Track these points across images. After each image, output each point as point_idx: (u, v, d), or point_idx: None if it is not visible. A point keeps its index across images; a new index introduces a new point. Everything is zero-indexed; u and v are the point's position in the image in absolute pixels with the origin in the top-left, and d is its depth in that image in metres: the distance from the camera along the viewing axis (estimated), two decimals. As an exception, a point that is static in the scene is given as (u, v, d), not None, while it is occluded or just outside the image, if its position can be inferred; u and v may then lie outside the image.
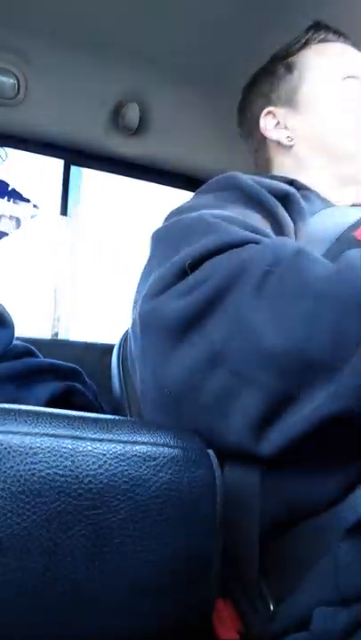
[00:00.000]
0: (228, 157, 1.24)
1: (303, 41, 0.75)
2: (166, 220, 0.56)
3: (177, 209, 0.56)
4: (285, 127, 0.74)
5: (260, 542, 0.40)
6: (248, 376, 0.37)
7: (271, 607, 0.40)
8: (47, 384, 0.68)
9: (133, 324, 0.48)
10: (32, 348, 0.76)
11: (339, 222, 0.56)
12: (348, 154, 0.69)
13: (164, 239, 0.51)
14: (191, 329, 0.40)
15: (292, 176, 0.69)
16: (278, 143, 0.75)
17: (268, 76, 0.78)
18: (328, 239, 0.53)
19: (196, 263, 0.42)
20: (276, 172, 0.76)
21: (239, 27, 0.95)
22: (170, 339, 0.41)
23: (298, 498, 0.40)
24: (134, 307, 0.51)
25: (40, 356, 0.77)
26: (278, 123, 0.75)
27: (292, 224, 0.55)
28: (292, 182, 0.63)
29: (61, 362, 0.75)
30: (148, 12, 0.92)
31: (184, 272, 0.43)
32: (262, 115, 0.76)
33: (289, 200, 0.57)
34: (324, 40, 0.75)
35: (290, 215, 0.56)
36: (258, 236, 0.45)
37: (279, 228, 0.54)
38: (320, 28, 0.76)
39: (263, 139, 0.77)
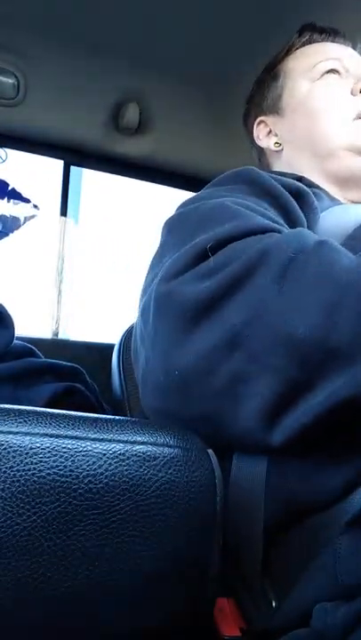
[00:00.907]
0: (228, 157, 1.24)
1: (287, 48, 0.78)
2: (180, 207, 0.55)
3: (191, 198, 0.55)
4: (275, 134, 0.78)
5: (263, 539, 0.41)
6: (266, 361, 0.37)
7: (273, 604, 0.40)
8: (47, 384, 0.68)
9: (144, 308, 0.47)
10: (33, 348, 0.76)
11: (350, 219, 0.56)
12: (329, 149, 0.70)
13: (179, 225, 0.50)
14: (210, 312, 0.39)
15: None
16: (269, 150, 0.79)
17: (259, 87, 0.82)
18: (340, 236, 0.53)
19: (217, 247, 0.42)
20: None
21: (239, 27, 0.95)
22: (187, 321, 0.40)
23: (301, 495, 0.40)
24: (143, 292, 0.49)
25: (41, 356, 0.77)
26: (270, 131, 0.78)
27: (304, 219, 0.55)
28: (300, 179, 0.63)
29: (62, 362, 0.74)
30: (148, 12, 0.92)
31: (205, 255, 0.42)
32: (255, 125, 0.80)
33: (301, 196, 0.57)
34: (307, 42, 0.77)
35: (302, 210, 0.56)
36: (279, 226, 0.45)
37: (292, 224, 0.54)
38: (305, 31, 0.78)
39: (260, 148, 0.81)
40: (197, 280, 0.41)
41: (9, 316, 0.72)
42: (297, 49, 0.77)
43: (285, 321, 0.36)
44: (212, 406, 0.40)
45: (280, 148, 0.76)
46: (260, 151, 0.82)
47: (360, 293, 0.35)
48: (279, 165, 0.78)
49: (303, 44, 0.77)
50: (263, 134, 0.79)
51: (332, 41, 0.76)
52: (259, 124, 0.79)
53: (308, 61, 0.74)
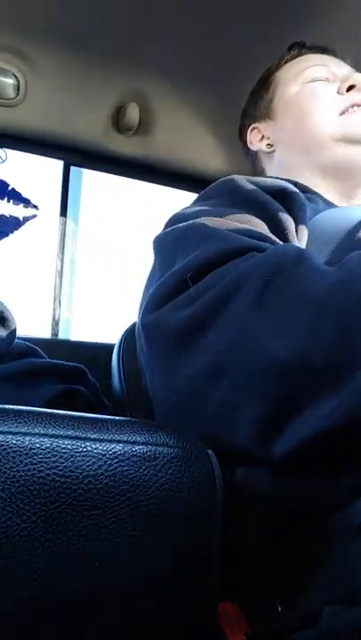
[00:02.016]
0: (228, 157, 1.24)
1: (277, 63, 0.82)
2: (166, 226, 0.56)
3: (175, 216, 0.56)
4: (267, 137, 0.81)
5: (271, 542, 0.40)
6: (251, 387, 0.37)
7: (279, 609, 0.39)
8: (48, 385, 0.68)
9: (139, 333, 0.49)
10: (35, 347, 0.76)
11: (345, 220, 0.56)
12: (319, 141, 0.72)
13: (161, 248, 0.51)
14: (193, 340, 0.40)
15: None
16: (263, 152, 0.82)
17: (251, 98, 0.86)
18: (336, 237, 0.53)
19: (196, 274, 0.42)
20: None
21: (239, 29, 0.95)
22: (173, 350, 0.41)
23: (309, 498, 0.40)
24: (139, 308, 0.51)
25: (44, 355, 0.77)
26: (263, 136, 0.82)
27: (292, 222, 0.55)
28: (295, 184, 0.64)
29: (64, 362, 0.74)
30: (148, 12, 0.92)
31: (185, 283, 0.43)
32: (248, 131, 0.84)
33: (286, 195, 0.57)
34: (297, 55, 0.81)
35: (289, 211, 0.56)
36: (259, 243, 0.45)
37: (279, 229, 0.53)
38: (294, 47, 0.82)
39: (254, 153, 0.85)
40: (180, 309, 0.42)
41: (11, 315, 0.72)
42: (287, 62, 0.81)
43: (266, 345, 0.36)
44: (208, 430, 0.40)
45: (272, 149, 0.80)
46: (254, 157, 0.85)
47: (339, 309, 0.34)
48: (271, 168, 0.81)
49: (293, 58, 0.81)
50: (256, 139, 0.83)
51: (321, 54, 0.80)
52: (252, 130, 0.83)
53: (299, 67, 0.78)
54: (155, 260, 0.52)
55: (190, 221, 0.50)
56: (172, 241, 0.50)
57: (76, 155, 1.32)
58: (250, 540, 0.41)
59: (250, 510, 0.41)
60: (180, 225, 0.51)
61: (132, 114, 1.14)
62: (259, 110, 0.83)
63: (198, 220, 0.49)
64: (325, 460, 0.39)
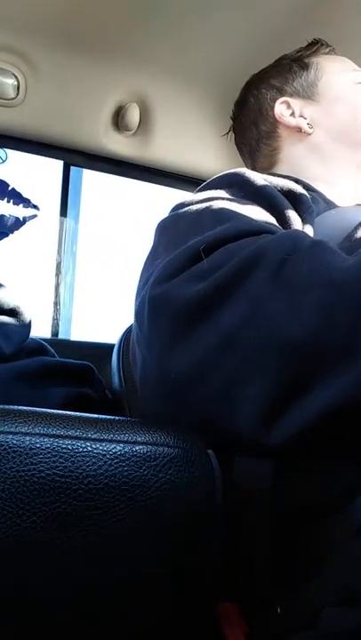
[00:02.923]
0: (228, 158, 1.24)
1: (313, 49, 0.82)
2: (173, 210, 0.55)
3: (184, 201, 0.55)
4: (304, 117, 0.78)
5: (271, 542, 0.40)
6: (260, 363, 0.36)
7: (278, 610, 0.39)
8: (60, 388, 0.67)
9: (138, 312, 0.47)
10: (44, 344, 0.75)
11: (347, 221, 0.56)
12: None
13: (172, 227, 0.50)
14: (204, 314, 0.39)
15: (303, 165, 0.74)
16: (296, 130, 0.78)
17: (280, 72, 0.82)
18: (337, 238, 0.53)
19: (211, 248, 0.42)
20: (283, 164, 0.80)
21: (240, 29, 0.95)
22: (180, 324, 0.40)
23: (309, 497, 0.40)
24: (137, 295, 0.49)
25: (53, 353, 0.76)
26: (293, 112, 0.79)
27: (300, 222, 0.55)
28: (297, 181, 0.64)
29: (73, 361, 0.73)
30: (148, 12, 0.92)
31: (198, 257, 0.42)
32: (277, 103, 0.80)
33: (297, 198, 0.57)
34: (330, 52, 0.82)
35: (298, 214, 0.56)
36: (273, 227, 0.45)
37: (286, 225, 0.53)
38: (324, 43, 0.82)
39: (273, 128, 0.81)
40: (191, 282, 0.41)
41: (27, 312, 0.71)
42: (326, 54, 0.81)
43: (280, 322, 0.36)
44: (208, 409, 0.40)
45: (312, 130, 0.77)
46: (270, 133, 0.81)
47: (355, 293, 0.34)
48: (294, 150, 0.79)
49: (327, 53, 0.81)
50: (287, 114, 0.79)
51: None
52: (282, 103, 0.80)
53: (345, 65, 0.80)
54: (158, 240, 0.50)
55: (204, 204, 0.49)
56: (184, 221, 0.49)
57: (76, 155, 1.32)
58: (249, 541, 0.41)
59: (248, 509, 0.41)
60: (193, 207, 0.50)
61: (132, 114, 1.14)
62: (291, 86, 0.80)
63: (213, 203, 0.49)
64: (323, 454, 0.38)
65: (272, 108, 0.80)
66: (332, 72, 0.79)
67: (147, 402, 0.46)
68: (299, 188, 0.58)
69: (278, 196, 0.54)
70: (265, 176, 0.58)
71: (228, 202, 0.50)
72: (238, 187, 0.55)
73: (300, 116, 0.78)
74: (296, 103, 0.79)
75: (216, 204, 0.48)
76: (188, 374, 0.40)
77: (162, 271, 0.43)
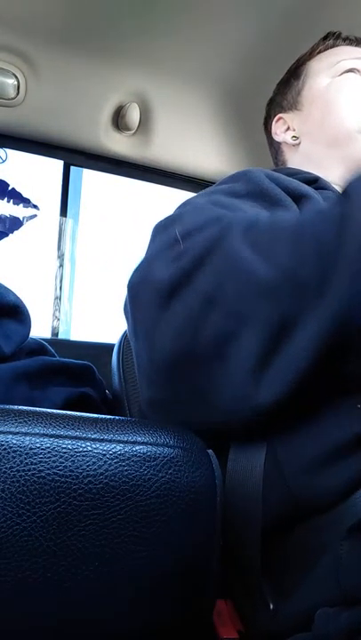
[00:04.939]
0: (229, 158, 1.24)
1: (310, 52, 0.80)
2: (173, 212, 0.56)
3: (183, 203, 0.56)
4: (293, 129, 0.79)
5: (262, 541, 0.40)
6: (244, 312, 0.38)
7: (271, 606, 0.40)
8: (61, 388, 0.67)
9: (124, 305, 0.49)
10: (44, 344, 0.75)
11: None
12: (347, 133, 0.72)
13: (163, 229, 0.51)
14: (181, 287, 0.40)
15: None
16: (287, 144, 0.80)
17: (280, 87, 0.84)
18: None
19: (187, 234, 0.44)
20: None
21: (240, 29, 0.95)
22: (160, 301, 0.41)
23: (301, 494, 0.40)
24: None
25: (53, 352, 0.76)
26: (288, 127, 0.80)
27: None
28: (316, 180, 0.64)
29: (74, 360, 0.73)
30: (148, 12, 0.92)
31: (175, 242, 0.43)
32: (273, 121, 0.82)
33: (306, 198, 0.57)
34: (331, 46, 0.80)
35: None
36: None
37: None
38: (329, 37, 0.80)
39: (277, 144, 0.83)
40: (168, 263, 0.42)
41: (27, 312, 0.71)
42: (320, 52, 0.79)
43: (254, 268, 0.38)
44: (198, 380, 0.40)
45: (297, 141, 0.78)
46: (278, 148, 0.83)
47: (317, 230, 0.37)
48: (294, 160, 0.79)
49: (327, 48, 0.79)
50: (281, 130, 0.81)
51: (356, 46, 0.79)
52: (277, 120, 0.81)
53: (331, 60, 0.77)
54: (152, 240, 0.51)
55: (196, 204, 0.50)
56: (174, 223, 0.49)
57: (76, 155, 1.32)
58: (240, 539, 0.41)
59: (238, 504, 0.41)
60: (184, 209, 0.51)
61: (132, 114, 1.14)
62: (286, 100, 0.81)
63: (202, 202, 0.50)
64: (310, 409, 0.40)
65: (271, 125, 0.82)
66: (314, 75, 0.78)
67: (142, 391, 0.47)
68: (308, 191, 0.58)
69: (283, 196, 0.54)
70: (275, 175, 0.58)
71: (219, 200, 0.50)
72: (242, 182, 0.56)
73: (293, 128, 0.79)
74: (288, 117, 0.81)
75: (204, 204, 0.49)
76: (175, 346, 0.40)
77: (141, 260, 0.45)
